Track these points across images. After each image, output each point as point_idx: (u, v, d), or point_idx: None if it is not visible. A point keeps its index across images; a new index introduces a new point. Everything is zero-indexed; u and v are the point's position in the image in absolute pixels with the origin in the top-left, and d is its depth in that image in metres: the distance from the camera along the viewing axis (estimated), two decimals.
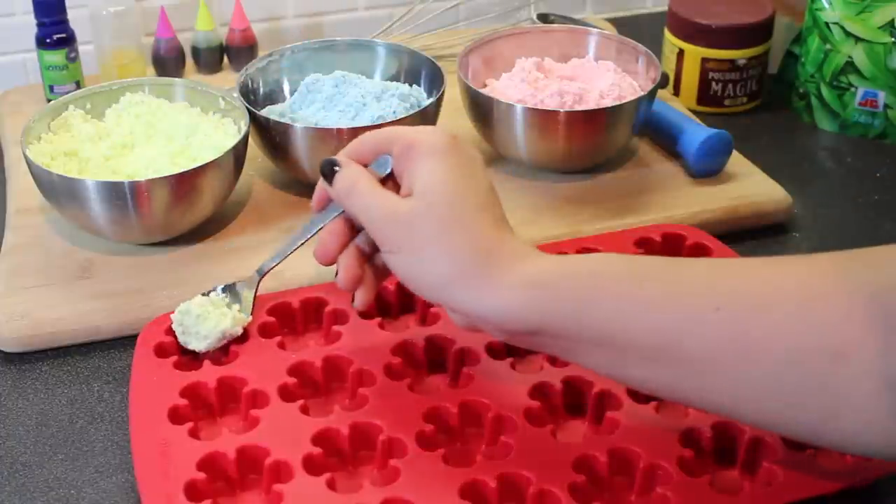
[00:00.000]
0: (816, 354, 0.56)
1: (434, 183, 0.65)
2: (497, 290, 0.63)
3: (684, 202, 0.95)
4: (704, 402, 0.62)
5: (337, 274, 0.71)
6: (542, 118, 0.93)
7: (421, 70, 1.00)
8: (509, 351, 0.77)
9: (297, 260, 0.87)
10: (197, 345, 0.76)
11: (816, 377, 0.57)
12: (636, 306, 0.60)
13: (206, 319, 0.76)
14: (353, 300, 0.71)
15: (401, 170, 0.68)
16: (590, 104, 0.95)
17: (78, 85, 1.08)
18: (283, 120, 0.92)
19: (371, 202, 0.67)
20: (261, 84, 0.99)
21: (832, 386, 0.56)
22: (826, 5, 1.06)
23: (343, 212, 0.70)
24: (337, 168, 0.69)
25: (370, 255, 0.71)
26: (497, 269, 0.63)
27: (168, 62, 1.14)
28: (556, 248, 0.86)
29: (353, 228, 0.71)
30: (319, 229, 0.72)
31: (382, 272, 0.72)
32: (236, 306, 0.78)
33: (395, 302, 0.82)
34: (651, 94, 0.97)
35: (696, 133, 0.97)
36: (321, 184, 0.71)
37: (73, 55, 1.07)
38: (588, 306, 0.61)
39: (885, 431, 0.57)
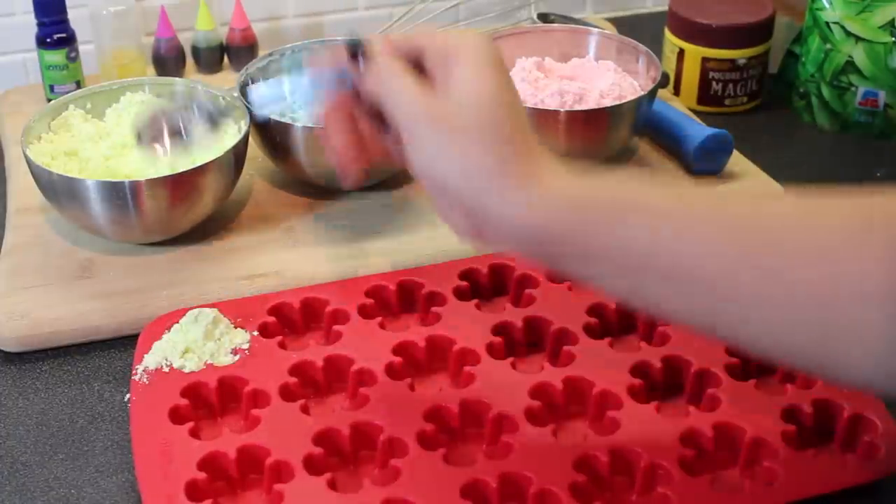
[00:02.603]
0: (846, 298, 0.55)
1: (472, 89, 0.62)
2: (530, 193, 0.60)
3: None
4: (714, 326, 0.60)
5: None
6: (543, 118, 0.93)
7: None
8: (510, 351, 0.77)
9: (297, 260, 0.87)
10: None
11: (842, 316, 0.55)
12: (667, 229, 0.59)
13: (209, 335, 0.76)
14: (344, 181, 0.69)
15: (433, 71, 0.64)
16: (590, 104, 0.95)
17: (78, 85, 1.08)
18: (283, 120, 0.92)
19: (407, 98, 0.63)
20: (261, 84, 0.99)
21: (856, 327, 0.55)
22: (826, 5, 1.06)
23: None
24: (361, 51, 0.64)
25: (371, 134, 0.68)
26: (530, 173, 0.61)
27: (168, 62, 1.14)
28: None
29: (356, 104, 0.68)
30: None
31: (379, 151, 0.69)
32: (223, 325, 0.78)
33: (396, 301, 0.82)
34: (651, 94, 0.97)
35: (697, 132, 0.97)
36: (339, 60, 0.66)
37: (73, 55, 1.07)
38: (619, 226, 0.59)
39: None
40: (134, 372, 0.75)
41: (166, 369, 0.74)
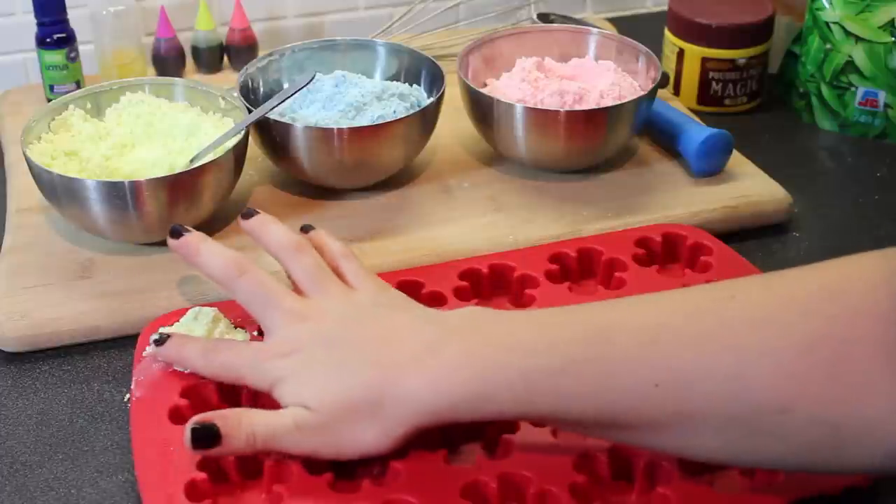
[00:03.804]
0: (758, 414, 0.58)
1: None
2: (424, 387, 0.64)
3: (684, 202, 0.94)
4: (664, 451, 0.64)
5: None
6: (542, 118, 0.93)
7: (421, 70, 1.00)
8: None
9: None
10: None
11: (763, 433, 0.58)
12: (575, 399, 0.61)
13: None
14: None
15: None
16: (590, 104, 0.95)
17: (78, 85, 1.08)
18: (283, 120, 0.92)
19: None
20: (261, 84, 0.99)
21: (782, 438, 0.58)
22: (826, 5, 1.06)
23: None
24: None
25: None
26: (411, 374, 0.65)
27: (168, 62, 1.14)
28: (557, 248, 0.86)
29: None
30: None
31: None
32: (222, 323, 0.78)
33: None
34: (651, 94, 0.97)
35: (697, 133, 0.97)
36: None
37: (73, 55, 1.07)
38: (528, 404, 0.62)
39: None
40: (134, 372, 0.75)
41: (166, 369, 0.74)
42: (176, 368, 0.74)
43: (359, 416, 0.65)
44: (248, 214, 0.78)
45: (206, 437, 0.65)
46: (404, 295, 0.73)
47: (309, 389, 0.66)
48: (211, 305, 0.79)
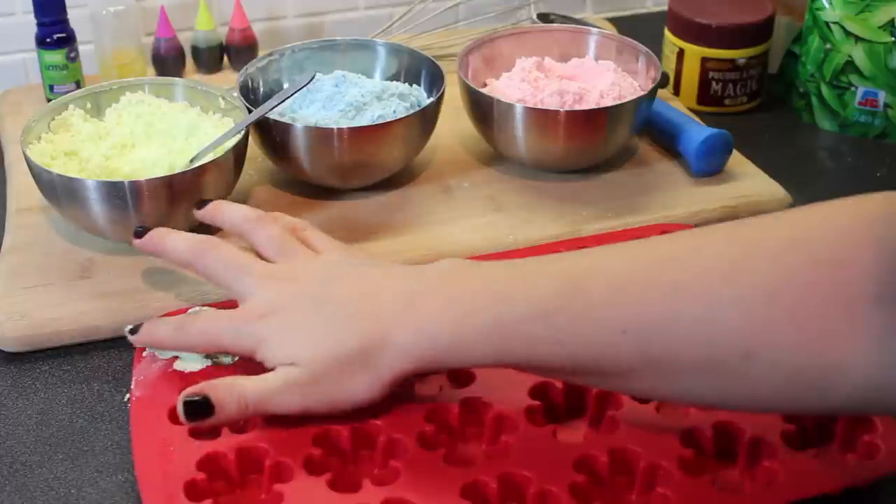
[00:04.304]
0: (724, 359, 0.58)
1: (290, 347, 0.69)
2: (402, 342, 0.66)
3: (684, 202, 0.95)
4: (636, 394, 0.67)
5: None
6: (542, 118, 0.93)
7: (421, 70, 1.00)
8: None
9: None
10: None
11: (729, 377, 0.59)
12: (547, 346, 0.63)
13: None
14: None
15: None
16: (590, 104, 0.95)
17: (78, 85, 1.08)
18: (283, 120, 0.92)
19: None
20: (261, 84, 0.99)
21: (748, 382, 0.59)
22: (826, 5, 1.06)
23: None
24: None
25: None
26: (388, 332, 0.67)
27: (168, 62, 1.14)
28: (556, 248, 0.86)
29: None
30: None
31: None
32: None
33: None
34: (651, 94, 0.97)
35: (697, 132, 0.97)
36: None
37: (73, 55, 1.07)
38: (505, 352, 0.64)
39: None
40: (134, 372, 0.75)
41: (166, 369, 0.74)
42: (176, 368, 0.74)
43: (352, 366, 0.66)
44: (202, 204, 0.82)
45: (199, 408, 0.67)
46: (370, 257, 0.77)
47: (297, 346, 0.68)
48: (210, 305, 0.79)
